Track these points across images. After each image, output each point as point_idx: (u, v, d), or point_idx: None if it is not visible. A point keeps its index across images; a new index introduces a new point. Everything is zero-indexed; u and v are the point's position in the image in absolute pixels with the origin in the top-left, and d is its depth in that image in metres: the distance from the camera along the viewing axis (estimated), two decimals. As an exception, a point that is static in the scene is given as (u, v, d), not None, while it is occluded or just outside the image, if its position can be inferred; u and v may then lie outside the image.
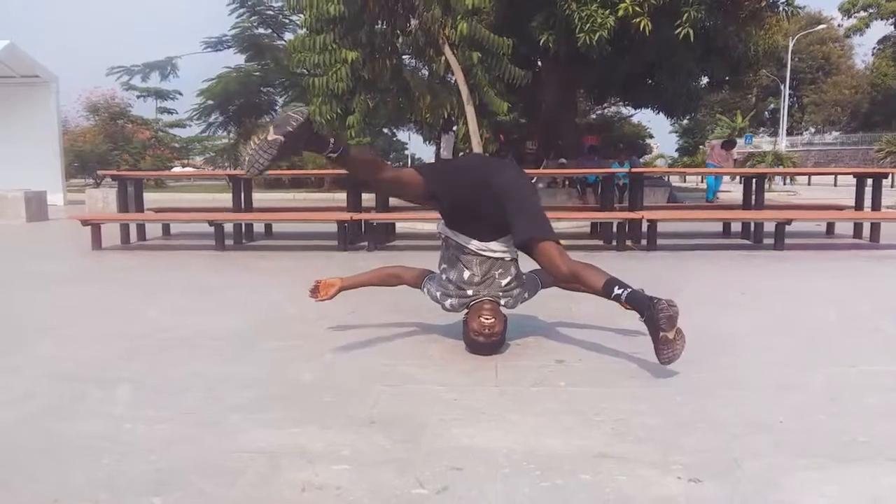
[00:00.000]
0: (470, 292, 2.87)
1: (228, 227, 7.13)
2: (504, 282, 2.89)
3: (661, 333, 2.49)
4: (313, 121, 2.47)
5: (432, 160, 21.91)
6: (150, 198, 10.67)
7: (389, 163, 2.78)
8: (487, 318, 2.77)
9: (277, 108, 24.54)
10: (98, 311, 3.94)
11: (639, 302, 2.55)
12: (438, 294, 2.97)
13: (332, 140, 2.54)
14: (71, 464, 1.87)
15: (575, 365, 2.76)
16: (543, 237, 2.71)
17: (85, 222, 6.80)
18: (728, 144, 15.42)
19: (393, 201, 7.57)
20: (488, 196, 2.74)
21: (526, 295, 3.00)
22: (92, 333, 3.35)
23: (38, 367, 2.76)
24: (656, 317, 2.48)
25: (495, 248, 2.85)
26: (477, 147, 10.32)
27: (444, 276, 2.95)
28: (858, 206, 7.46)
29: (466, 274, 2.87)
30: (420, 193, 2.80)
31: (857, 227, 7.52)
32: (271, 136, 2.37)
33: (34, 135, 14.22)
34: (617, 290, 2.59)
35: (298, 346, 3.05)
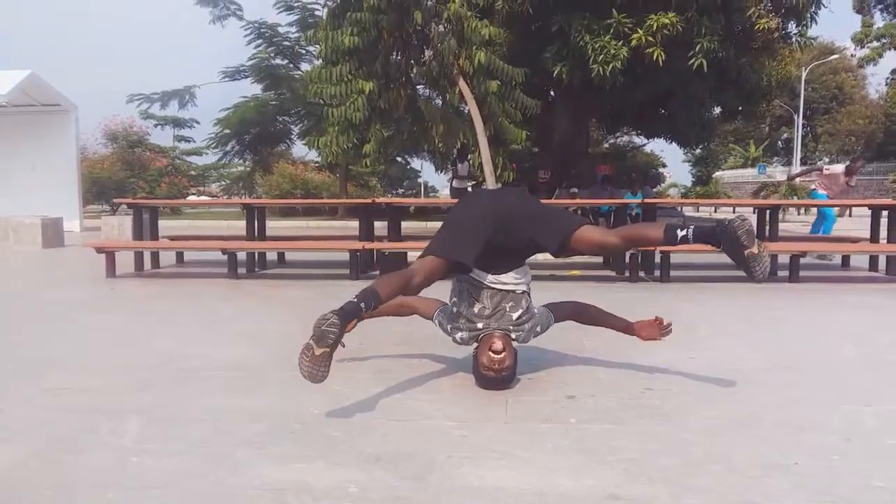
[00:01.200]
0: (480, 325, 2.85)
1: (242, 255, 7.17)
2: (515, 315, 2.86)
3: (747, 251, 2.44)
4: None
5: (446, 188, 21.98)
6: (166, 225, 10.76)
7: (409, 270, 2.72)
8: (497, 353, 2.73)
9: (293, 136, 24.80)
10: (110, 341, 3.95)
11: (708, 234, 2.52)
12: (449, 327, 2.95)
13: (362, 305, 2.46)
14: (76, 499, 1.87)
15: (586, 401, 2.73)
16: (574, 228, 2.72)
17: (99, 250, 6.85)
18: (851, 169, 11.13)
19: (405, 230, 7.60)
20: (498, 229, 2.75)
21: (538, 329, 2.97)
22: (104, 364, 3.36)
23: (50, 398, 2.77)
24: (735, 236, 2.44)
25: (507, 281, 2.85)
26: (490, 177, 10.37)
27: (454, 309, 2.94)
28: (874, 238, 7.39)
29: (477, 307, 2.86)
30: (449, 271, 2.80)
31: (873, 260, 7.45)
32: (318, 352, 2.36)
33: (53, 162, 14.44)
34: (681, 233, 2.56)
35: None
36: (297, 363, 2.39)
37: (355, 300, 2.46)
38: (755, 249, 2.44)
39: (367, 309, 2.48)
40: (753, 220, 8.56)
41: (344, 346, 2.43)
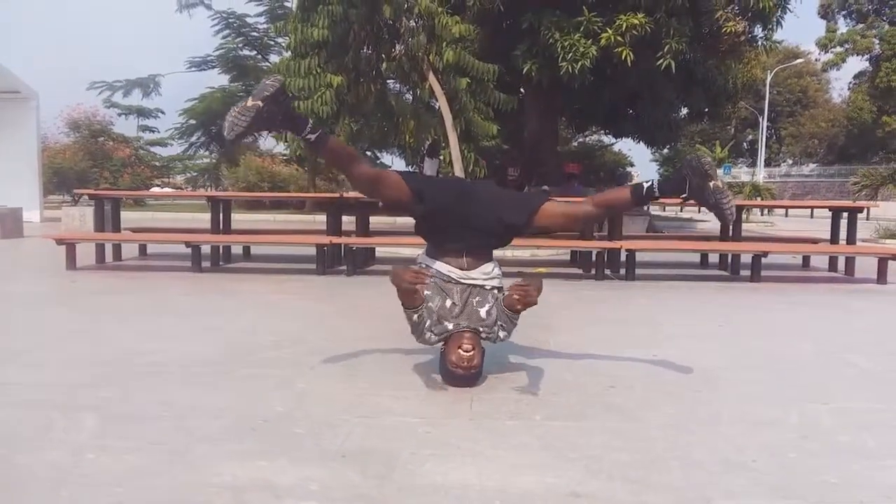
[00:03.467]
0: (450, 326, 2.82)
1: (206, 249, 7.06)
2: (483, 311, 2.85)
3: (712, 182, 2.54)
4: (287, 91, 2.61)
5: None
6: (129, 217, 10.56)
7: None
8: (467, 351, 2.72)
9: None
10: (67, 335, 3.86)
11: (673, 180, 2.64)
12: (427, 324, 2.90)
13: (310, 122, 2.61)
14: (29, 497, 1.82)
15: (551, 398, 2.74)
16: (541, 203, 2.82)
17: (60, 241, 6.69)
18: None
19: (374, 225, 7.56)
20: (472, 204, 2.79)
21: (502, 334, 2.91)
22: (60, 358, 3.28)
23: (2, 394, 2.69)
24: (700, 164, 2.54)
25: (476, 276, 2.85)
26: (459, 172, 10.36)
27: (428, 304, 2.90)
28: (834, 239, 7.56)
29: (448, 302, 2.84)
30: (402, 195, 2.79)
31: (833, 261, 7.62)
32: (250, 103, 2.48)
33: (13, 151, 14.07)
34: (647, 187, 2.68)
35: (272, 375, 3.01)
36: (226, 114, 2.52)
37: (307, 118, 2.70)
38: (719, 183, 2.55)
39: (311, 132, 2.61)
40: (716, 218, 8.72)
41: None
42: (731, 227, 7.48)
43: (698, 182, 2.59)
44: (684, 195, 2.66)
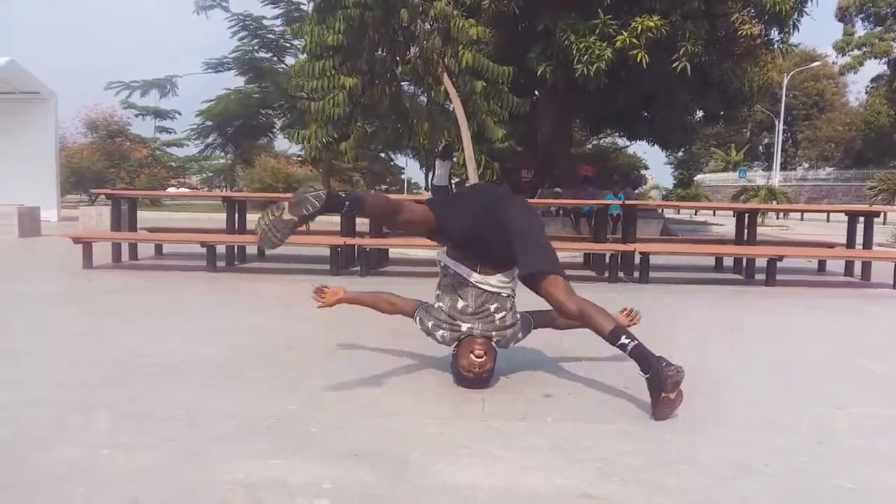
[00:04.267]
0: (464, 328, 2.83)
1: (221, 249, 7.11)
2: (499, 317, 2.86)
3: (664, 395, 2.47)
4: (324, 187, 2.46)
5: (428, 184, 21.96)
6: (145, 216, 10.65)
7: (400, 201, 2.76)
8: (479, 356, 2.74)
9: (275, 129, 24.66)
10: (83, 334, 3.91)
11: (645, 359, 2.52)
12: (430, 324, 2.93)
13: (347, 203, 2.50)
14: (45, 494, 1.85)
15: (563, 399, 2.74)
16: (551, 272, 2.69)
17: (77, 240, 6.77)
18: None
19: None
20: (496, 229, 2.74)
21: (520, 335, 2.97)
22: (76, 357, 3.32)
23: (19, 392, 2.73)
24: (663, 378, 2.45)
25: (493, 283, 2.84)
26: (473, 174, 10.37)
27: (437, 304, 2.93)
28: (850, 244, 7.49)
29: (461, 304, 2.85)
30: (432, 229, 2.80)
31: (849, 265, 7.55)
32: (286, 216, 2.37)
33: (31, 151, 14.22)
34: (624, 340, 2.56)
35: (285, 375, 3.03)
36: (257, 220, 2.41)
37: (342, 194, 2.50)
38: (671, 396, 2.47)
39: (349, 209, 2.53)
40: (732, 223, 8.67)
41: (320, 288, 2.66)
42: (745, 231, 7.43)
43: (654, 383, 2.48)
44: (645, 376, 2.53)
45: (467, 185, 12.14)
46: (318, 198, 2.37)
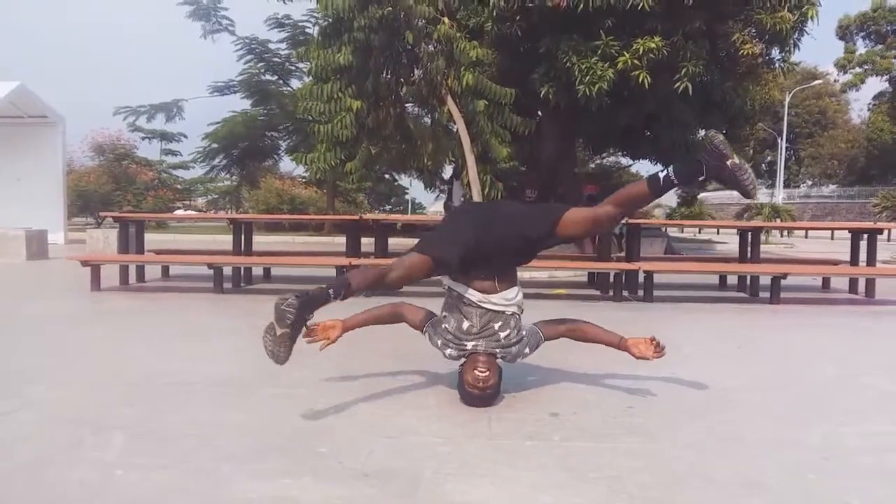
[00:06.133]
0: (468, 346, 2.87)
1: (227, 270, 7.16)
2: (503, 335, 2.89)
3: (729, 161, 2.49)
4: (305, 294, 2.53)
5: (433, 206, 22.05)
6: (151, 238, 10.71)
7: (387, 263, 2.78)
8: (482, 372, 2.78)
9: (281, 151, 24.82)
10: (94, 355, 3.94)
11: (689, 164, 2.57)
12: (439, 342, 2.97)
13: (331, 292, 2.58)
14: (62, 512, 1.87)
15: (570, 418, 2.75)
16: (562, 212, 2.79)
17: (84, 263, 6.82)
18: None
19: (392, 246, 7.62)
20: (489, 243, 2.78)
21: (527, 350, 2.99)
22: (88, 378, 3.35)
23: (33, 412, 2.76)
24: (716, 145, 2.49)
25: (496, 301, 2.87)
26: (477, 195, 10.42)
27: (443, 325, 2.97)
28: (854, 261, 7.50)
29: (465, 324, 2.89)
30: (431, 269, 2.83)
31: (853, 282, 7.56)
32: (279, 332, 2.51)
33: (39, 174, 14.36)
34: (663, 175, 2.61)
35: (295, 394, 3.05)
36: (262, 341, 2.54)
37: (324, 286, 2.57)
38: (736, 160, 2.50)
39: (335, 296, 2.58)
40: (736, 240, 8.70)
41: (308, 328, 2.63)
42: (749, 249, 7.46)
43: (715, 163, 2.56)
44: (702, 177, 2.64)
45: (444, 213, 12.24)
46: (290, 304, 2.49)
